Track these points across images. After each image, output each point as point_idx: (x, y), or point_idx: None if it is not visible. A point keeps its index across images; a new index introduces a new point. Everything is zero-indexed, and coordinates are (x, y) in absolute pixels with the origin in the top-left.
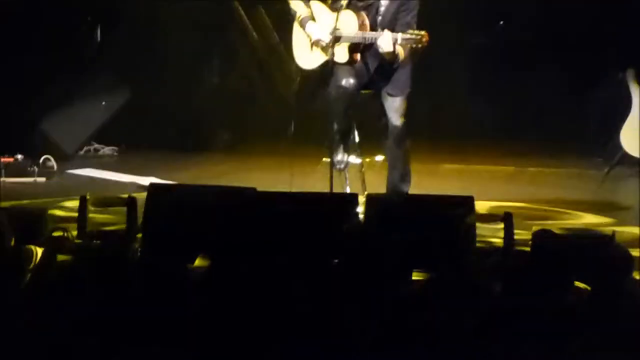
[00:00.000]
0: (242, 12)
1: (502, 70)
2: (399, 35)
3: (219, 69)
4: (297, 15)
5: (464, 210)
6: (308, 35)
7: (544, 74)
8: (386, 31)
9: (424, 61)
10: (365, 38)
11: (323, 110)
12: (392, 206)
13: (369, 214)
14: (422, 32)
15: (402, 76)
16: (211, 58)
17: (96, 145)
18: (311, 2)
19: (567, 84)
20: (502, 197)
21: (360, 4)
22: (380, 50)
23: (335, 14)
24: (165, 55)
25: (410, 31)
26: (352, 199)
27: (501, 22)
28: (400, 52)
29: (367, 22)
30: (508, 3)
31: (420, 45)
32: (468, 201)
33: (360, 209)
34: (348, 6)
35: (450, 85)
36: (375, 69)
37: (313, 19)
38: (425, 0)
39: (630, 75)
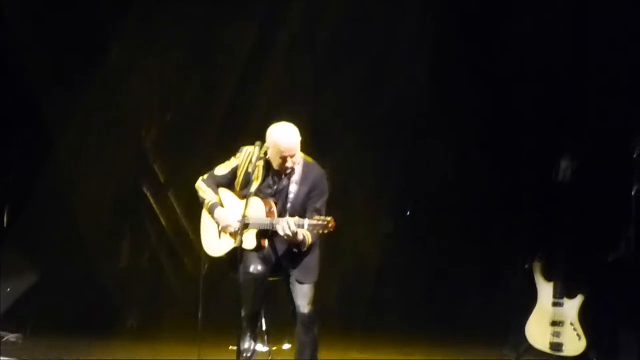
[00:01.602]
0: (151, 198)
1: (412, 260)
2: (306, 221)
3: (128, 253)
4: (206, 201)
5: None
6: (216, 222)
7: (453, 264)
8: (287, 217)
9: (333, 249)
10: (273, 224)
11: (231, 297)
12: None
13: None
14: (329, 218)
15: (311, 263)
16: (120, 240)
17: (0, 332)
18: (220, 190)
19: (475, 275)
20: None
21: (269, 190)
22: (281, 233)
23: (243, 201)
24: (72, 237)
25: (317, 217)
26: None
27: (408, 213)
28: (307, 237)
29: (274, 208)
30: (416, 196)
31: (327, 231)
32: None
33: None
34: (257, 193)
35: (360, 273)
36: (283, 255)
37: (222, 205)
38: (334, 188)
39: (536, 267)
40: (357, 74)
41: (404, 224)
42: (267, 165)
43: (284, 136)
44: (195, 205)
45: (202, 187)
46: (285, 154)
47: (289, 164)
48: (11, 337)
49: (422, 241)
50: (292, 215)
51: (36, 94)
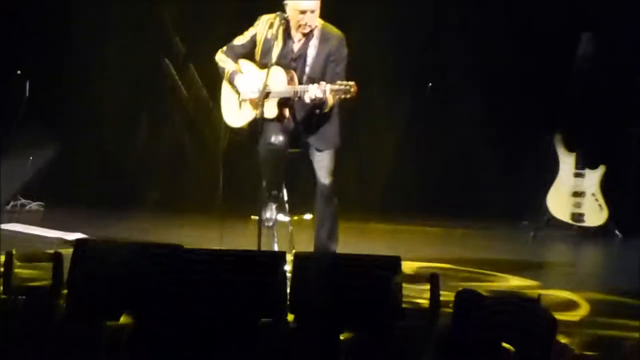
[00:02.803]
0: (172, 69)
1: (431, 134)
2: (328, 87)
3: (149, 126)
4: (226, 70)
5: (390, 271)
6: (236, 90)
7: (472, 135)
8: (314, 86)
9: (352, 120)
10: (295, 92)
11: (251, 168)
12: (319, 265)
13: (297, 272)
14: (351, 83)
15: (330, 131)
16: (141, 114)
17: (22, 201)
18: (240, 61)
19: (496, 149)
20: (429, 257)
21: (290, 55)
22: (311, 98)
23: (263, 71)
24: (94, 110)
25: (339, 82)
26: (280, 256)
27: (429, 85)
28: (330, 99)
29: (295, 78)
30: (435, 69)
31: (349, 96)
32: (395, 261)
33: (288, 267)
34: (278, 61)
35: (379, 146)
36: (302, 124)
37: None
38: (354, 59)
39: (557, 139)
40: None
41: (423, 99)
42: (287, 29)
43: None
44: (216, 78)
45: (222, 58)
46: (304, 8)
47: (307, 21)
48: (33, 204)
49: (441, 117)
50: (311, 79)
51: None
